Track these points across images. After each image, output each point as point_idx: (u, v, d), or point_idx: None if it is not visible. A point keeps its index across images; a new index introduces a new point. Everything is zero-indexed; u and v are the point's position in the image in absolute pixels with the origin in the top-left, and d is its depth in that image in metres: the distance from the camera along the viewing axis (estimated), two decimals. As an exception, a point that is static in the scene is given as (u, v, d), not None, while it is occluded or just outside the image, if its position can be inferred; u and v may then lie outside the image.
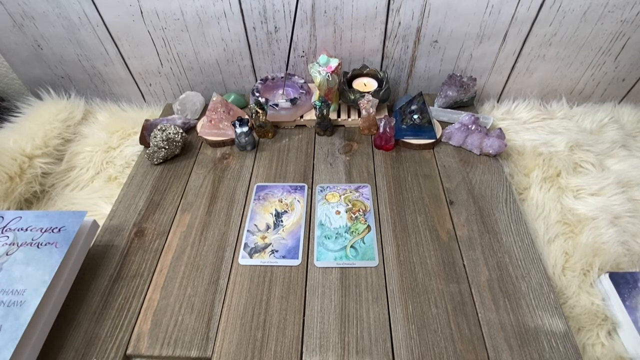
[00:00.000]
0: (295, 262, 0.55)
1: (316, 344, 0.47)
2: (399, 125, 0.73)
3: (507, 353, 0.45)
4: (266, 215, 0.61)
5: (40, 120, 0.76)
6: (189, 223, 0.61)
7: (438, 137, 0.72)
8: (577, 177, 0.68)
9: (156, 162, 0.70)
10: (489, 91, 0.86)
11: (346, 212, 0.61)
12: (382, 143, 0.71)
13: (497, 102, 0.86)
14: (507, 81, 0.84)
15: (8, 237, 0.50)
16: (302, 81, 0.80)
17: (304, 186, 0.65)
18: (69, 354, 0.46)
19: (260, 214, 0.61)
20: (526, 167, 0.70)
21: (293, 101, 0.74)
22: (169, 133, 0.68)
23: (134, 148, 0.76)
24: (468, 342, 0.46)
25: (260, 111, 0.71)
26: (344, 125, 0.78)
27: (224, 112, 0.73)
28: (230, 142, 0.74)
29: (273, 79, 0.80)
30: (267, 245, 0.57)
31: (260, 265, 0.55)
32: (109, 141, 0.77)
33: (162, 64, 0.82)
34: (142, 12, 0.73)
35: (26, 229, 0.51)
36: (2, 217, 0.53)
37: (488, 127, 0.74)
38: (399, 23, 0.74)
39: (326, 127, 0.74)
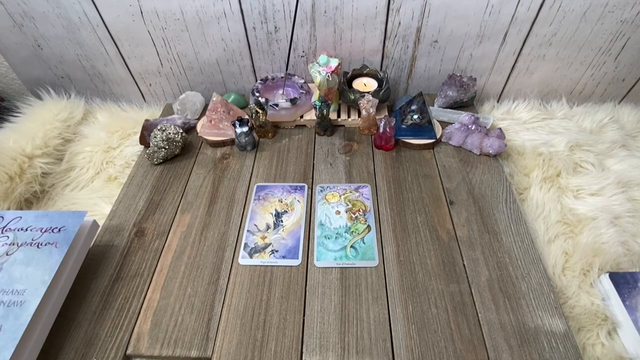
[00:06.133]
0: (295, 262, 0.55)
1: (316, 344, 0.47)
2: (399, 125, 0.73)
3: (507, 353, 0.45)
4: (266, 215, 0.61)
5: (40, 120, 0.76)
6: (189, 223, 0.61)
7: (438, 137, 0.72)
8: (577, 177, 0.68)
9: (156, 162, 0.70)
10: (489, 91, 0.86)
11: (346, 212, 0.61)
12: (382, 143, 0.71)
13: (497, 102, 0.86)
14: (507, 81, 0.84)
15: (8, 237, 0.50)
16: (302, 81, 0.80)
17: (304, 186, 0.65)
18: (69, 354, 0.46)
19: (260, 214, 0.61)
20: (526, 167, 0.70)
21: (293, 101, 0.74)
22: (169, 133, 0.68)
23: (134, 148, 0.76)
24: (468, 342, 0.46)
25: (260, 111, 0.71)
26: (344, 125, 0.78)
27: (224, 112, 0.73)
28: (230, 142, 0.74)
29: (273, 79, 0.80)
30: (267, 245, 0.57)
31: (260, 265, 0.55)
32: (109, 141, 0.77)
33: (162, 64, 0.82)
34: (142, 12, 0.73)
35: (26, 229, 0.51)
36: (2, 217, 0.53)
37: (488, 127, 0.74)
38: (399, 23, 0.74)
39: (326, 127, 0.74)
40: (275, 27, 0.75)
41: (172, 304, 0.51)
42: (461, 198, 0.62)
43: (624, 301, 0.50)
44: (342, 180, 0.66)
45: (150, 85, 0.87)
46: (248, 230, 0.59)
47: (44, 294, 0.45)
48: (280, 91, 0.80)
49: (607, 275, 0.53)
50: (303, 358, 0.46)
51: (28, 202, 0.68)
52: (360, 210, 0.61)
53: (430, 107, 0.78)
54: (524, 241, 0.56)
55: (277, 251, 0.56)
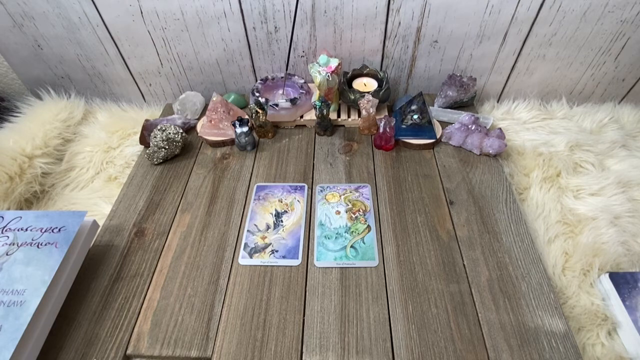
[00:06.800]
0: (295, 262, 0.55)
1: (316, 344, 0.47)
2: (399, 125, 0.73)
3: (507, 353, 0.45)
4: (266, 215, 0.61)
5: (40, 120, 0.76)
6: (189, 223, 0.61)
7: (438, 137, 0.72)
8: (577, 177, 0.68)
9: (156, 162, 0.70)
10: (489, 91, 0.86)
11: (346, 212, 0.61)
12: (382, 143, 0.71)
13: (497, 102, 0.86)
14: (507, 81, 0.84)
15: (8, 237, 0.50)
16: (302, 81, 0.80)
17: (304, 186, 0.65)
18: (69, 354, 0.46)
19: (260, 214, 0.61)
20: (526, 167, 0.70)
21: (293, 101, 0.74)
22: (169, 133, 0.68)
23: (134, 148, 0.76)
24: (468, 342, 0.46)
25: (260, 111, 0.71)
26: (344, 125, 0.78)
27: (224, 112, 0.73)
28: (230, 142, 0.74)
29: (273, 79, 0.80)
30: (267, 245, 0.57)
31: (260, 265, 0.55)
32: (109, 141, 0.77)
33: (162, 64, 0.82)
34: (142, 12, 0.73)
35: (26, 229, 0.51)
36: (2, 217, 0.53)
37: (488, 127, 0.74)
38: (399, 23, 0.74)
39: (326, 127, 0.74)
40: (275, 27, 0.75)
41: (172, 304, 0.51)
42: (461, 198, 0.62)
43: (624, 301, 0.50)
44: (342, 180, 0.66)
45: (150, 85, 0.87)
46: (248, 230, 0.59)
47: (44, 294, 0.45)
48: (280, 91, 0.80)
49: (607, 275, 0.53)
50: (303, 358, 0.46)
51: (28, 202, 0.68)
52: (360, 210, 0.61)
53: (430, 107, 0.78)
54: (524, 241, 0.56)
55: (277, 251, 0.56)
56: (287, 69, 0.77)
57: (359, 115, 0.75)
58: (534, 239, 0.57)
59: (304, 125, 0.78)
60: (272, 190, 0.65)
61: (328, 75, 0.70)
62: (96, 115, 0.84)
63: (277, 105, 0.74)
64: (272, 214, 0.61)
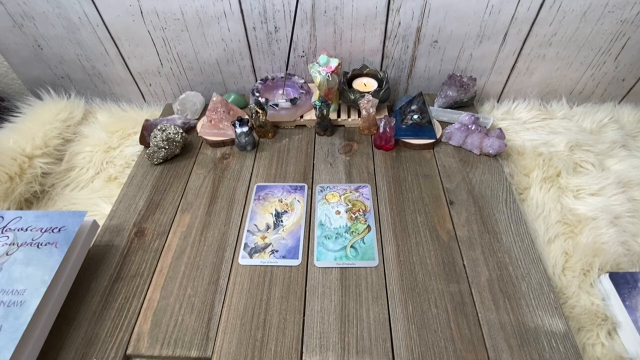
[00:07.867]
0: (295, 262, 0.55)
1: (316, 344, 0.47)
2: (399, 125, 0.73)
3: (507, 353, 0.45)
4: (266, 215, 0.61)
5: (40, 120, 0.76)
6: (189, 223, 0.61)
7: (438, 137, 0.72)
8: (577, 177, 0.68)
9: (156, 162, 0.70)
10: (489, 91, 0.86)
11: (346, 212, 0.61)
12: (382, 143, 0.71)
13: (497, 102, 0.86)
14: (507, 81, 0.84)
15: (8, 237, 0.50)
16: (302, 81, 0.80)
17: (304, 186, 0.65)
18: (69, 354, 0.46)
19: (260, 214, 0.61)
20: (526, 167, 0.70)
21: (293, 101, 0.74)
22: (169, 133, 0.68)
23: (134, 148, 0.76)
24: (468, 342, 0.46)
25: (260, 111, 0.71)
26: (344, 125, 0.78)
27: (224, 112, 0.73)
28: (230, 142, 0.74)
29: (273, 79, 0.80)
30: (267, 245, 0.57)
31: (260, 265, 0.55)
32: (109, 141, 0.77)
33: (162, 64, 0.82)
34: (142, 12, 0.73)
35: (26, 229, 0.51)
36: (2, 217, 0.53)
37: (488, 127, 0.74)
38: (399, 23, 0.74)
39: (326, 127, 0.74)
40: (275, 27, 0.75)
41: (172, 304, 0.51)
42: (461, 198, 0.62)
43: (624, 301, 0.50)
44: (342, 180, 0.66)
45: (150, 85, 0.87)
46: (248, 230, 0.59)
47: (44, 294, 0.45)
48: (280, 91, 0.80)
49: (607, 275, 0.53)
50: (303, 358, 0.46)
51: (28, 202, 0.68)
52: (360, 210, 0.61)
53: (430, 107, 0.78)
54: (524, 241, 0.56)
55: (277, 251, 0.56)
56: (287, 69, 0.77)
57: (359, 115, 0.75)
58: (534, 239, 0.57)
59: (304, 125, 0.78)
60: (272, 190, 0.65)
61: (328, 75, 0.70)
62: (96, 115, 0.84)
63: (277, 105, 0.74)
64: (272, 214, 0.61)
